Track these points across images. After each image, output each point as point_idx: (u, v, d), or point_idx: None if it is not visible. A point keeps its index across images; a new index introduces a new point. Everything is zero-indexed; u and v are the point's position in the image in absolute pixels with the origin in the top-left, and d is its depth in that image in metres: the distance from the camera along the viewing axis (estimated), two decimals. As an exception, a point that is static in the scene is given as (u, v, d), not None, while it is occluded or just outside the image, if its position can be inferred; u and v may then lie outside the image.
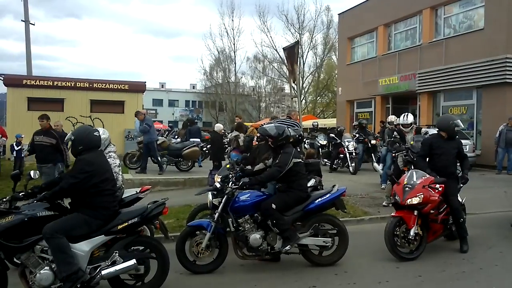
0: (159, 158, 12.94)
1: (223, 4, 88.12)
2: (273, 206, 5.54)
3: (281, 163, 5.69)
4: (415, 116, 19.50)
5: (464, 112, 18.52)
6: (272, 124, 6.25)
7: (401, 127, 9.36)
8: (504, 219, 8.05)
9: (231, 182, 5.72)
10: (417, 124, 19.01)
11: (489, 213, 8.90)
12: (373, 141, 15.71)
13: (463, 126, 6.91)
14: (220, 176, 6.35)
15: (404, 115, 9.32)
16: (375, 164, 12.23)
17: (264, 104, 56.78)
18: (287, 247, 5.59)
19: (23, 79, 18.12)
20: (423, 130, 8.92)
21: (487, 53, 16.71)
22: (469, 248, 6.38)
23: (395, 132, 9.86)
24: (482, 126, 17.42)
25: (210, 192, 5.92)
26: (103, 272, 4.54)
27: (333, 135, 15.99)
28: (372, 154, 15.35)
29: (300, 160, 5.98)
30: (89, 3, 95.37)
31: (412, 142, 8.37)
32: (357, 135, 15.81)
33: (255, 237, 5.58)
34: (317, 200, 5.80)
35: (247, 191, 5.78)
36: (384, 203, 9.30)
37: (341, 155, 15.10)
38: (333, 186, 6.05)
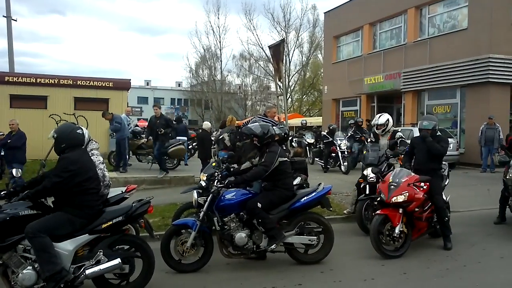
0: (127, 157, 12.88)
1: (209, 1, 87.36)
2: (259, 205, 5.53)
3: (267, 162, 5.68)
4: (399, 115, 19.77)
5: (448, 110, 18.74)
6: (257, 123, 6.23)
7: (374, 129, 8.27)
8: (488, 217, 8.16)
9: (216, 181, 5.70)
10: (402, 123, 19.30)
11: (472, 211, 9.01)
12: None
13: (425, 126, 6.68)
14: (206, 174, 6.31)
15: (378, 115, 8.24)
16: None
17: (250, 102, 56.70)
18: (273, 246, 5.59)
19: (5, 75, 17.79)
20: (399, 133, 8.02)
21: (471, 53, 16.91)
22: (453, 246, 6.45)
23: (371, 135, 8.72)
24: (466, 124, 17.63)
25: (195, 191, 5.89)
26: (87, 272, 4.48)
27: (324, 133, 15.90)
28: None
29: (286, 159, 5.98)
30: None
31: (364, 152, 7.97)
32: (353, 133, 15.70)
33: (241, 236, 5.56)
34: (303, 199, 5.80)
35: (233, 189, 5.75)
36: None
37: (333, 154, 14.85)
38: (319, 185, 6.06)
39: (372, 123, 8.34)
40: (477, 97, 17.00)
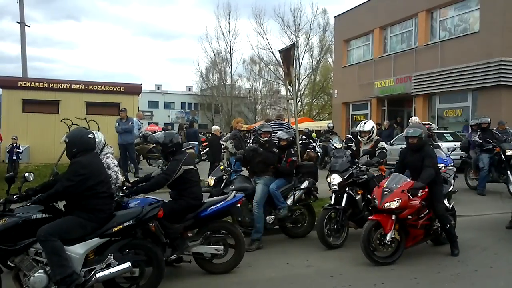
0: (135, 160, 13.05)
1: (220, 6, 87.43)
2: None
3: (169, 170, 5.55)
4: (410, 119, 19.61)
5: (459, 114, 18.62)
6: (162, 132, 6.12)
7: (358, 136, 7.69)
8: (499, 221, 8.07)
9: (120, 190, 5.60)
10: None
11: (484, 215, 8.91)
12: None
13: (411, 133, 6.30)
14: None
15: (363, 122, 7.62)
16: None
17: (260, 106, 56.83)
18: (173, 256, 5.41)
19: (18, 80, 18.01)
20: (381, 143, 7.38)
21: (482, 56, 16.80)
22: (465, 250, 6.39)
23: (353, 143, 7.99)
24: (477, 128, 17.44)
25: None
26: (98, 275, 4.51)
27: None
28: None
29: (192, 167, 5.76)
30: (88, 5, 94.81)
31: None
32: (480, 141, 14.85)
33: None
34: (210, 208, 5.61)
35: (138, 198, 5.59)
36: None
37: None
38: (230, 193, 5.93)
39: (356, 129, 7.74)
40: (488, 100, 16.86)
